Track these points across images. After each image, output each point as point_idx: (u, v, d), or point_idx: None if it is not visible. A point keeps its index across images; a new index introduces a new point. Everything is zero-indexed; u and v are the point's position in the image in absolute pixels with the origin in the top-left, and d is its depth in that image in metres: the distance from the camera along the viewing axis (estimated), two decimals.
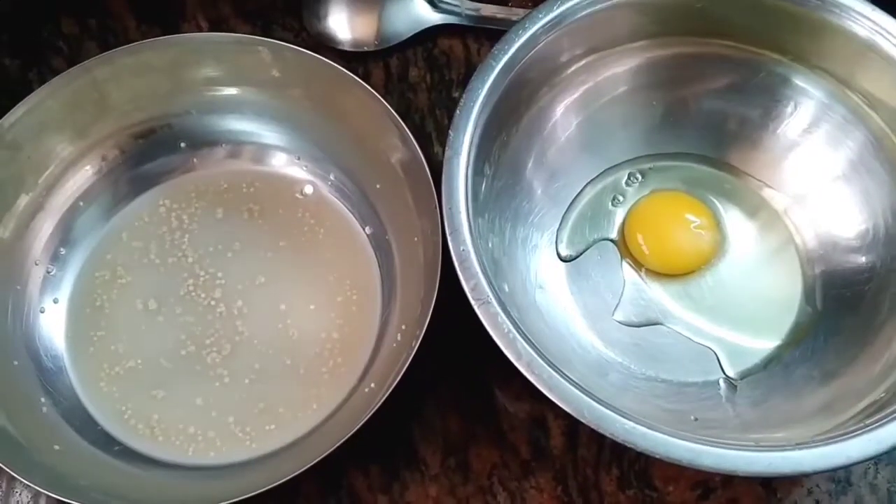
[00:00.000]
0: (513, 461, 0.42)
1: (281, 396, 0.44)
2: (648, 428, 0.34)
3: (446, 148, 0.39)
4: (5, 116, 0.44)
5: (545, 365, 0.35)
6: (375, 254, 0.46)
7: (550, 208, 0.46)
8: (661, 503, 0.42)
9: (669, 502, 0.42)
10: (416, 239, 0.43)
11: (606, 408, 0.34)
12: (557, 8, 0.41)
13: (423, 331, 0.39)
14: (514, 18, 0.51)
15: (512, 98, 0.42)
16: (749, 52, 0.44)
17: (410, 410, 0.43)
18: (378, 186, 0.46)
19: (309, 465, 0.37)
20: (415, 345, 0.39)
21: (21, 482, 0.42)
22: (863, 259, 0.43)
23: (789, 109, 0.44)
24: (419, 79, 0.51)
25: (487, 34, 0.52)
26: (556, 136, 0.45)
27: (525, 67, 0.41)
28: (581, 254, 0.45)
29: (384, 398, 0.38)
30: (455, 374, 0.44)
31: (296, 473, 0.37)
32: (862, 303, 0.42)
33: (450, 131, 0.39)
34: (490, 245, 0.41)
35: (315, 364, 0.44)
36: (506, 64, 0.40)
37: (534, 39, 0.41)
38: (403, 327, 0.43)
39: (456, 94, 0.50)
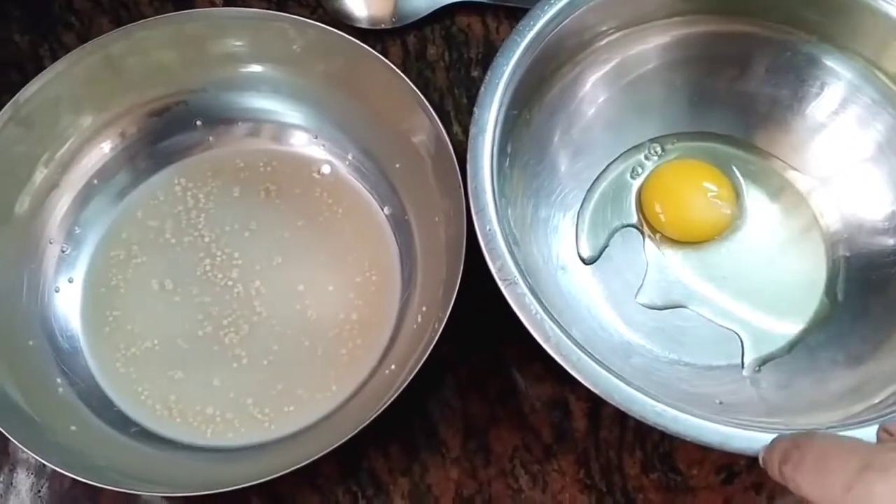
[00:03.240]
0: (534, 444, 0.42)
1: (300, 378, 0.43)
2: (679, 411, 0.33)
3: (471, 125, 0.38)
4: (19, 92, 0.43)
5: (574, 347, 0.34)
6: (394, 234, 0.46)
7: (573, 188, 0.45)
8: (684, 487, 0.41)
9: (693, 486, 0.41)
10: (437, 219, 0.43)
11: (637, 390, 0.34)
12: None
13: (447, 314, 0.38)
14: None
15: (537, 74, 0.41)
16: (778, 32, 0.43)
17: (430, 392, 0.43)
18: (398, 166, 0.45)
19: (329, 449, 0.37)
20: (438, 327, 0.38)
21: (28, 463, 0.42)
22: (890, 241, 0.42)
23: (816, 90, 0.44)
24: (437, 57, 0.50)
25: (506, 11, 0.51)
26: (580, 114, 0.45)
27: (551, 43, 0.41)
28: (601, 252, 0.44)
29: (407, 382, 0.38)
30: (476, 356, 0.44)
31: (317, 456, 0.37)
32: (889, 286, 0.41)
33: (475, 108, 0.39)
34: (512, 225, 0.40)
35: (334, 345, 0.44)
36: (532, 39, 0.40)
37: (560, 14, 0.40)
38: (424, 309, 0.42)
39: (475, 73, 0.50)
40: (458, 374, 0.43)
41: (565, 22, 0.41)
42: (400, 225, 0.45)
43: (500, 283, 0.36)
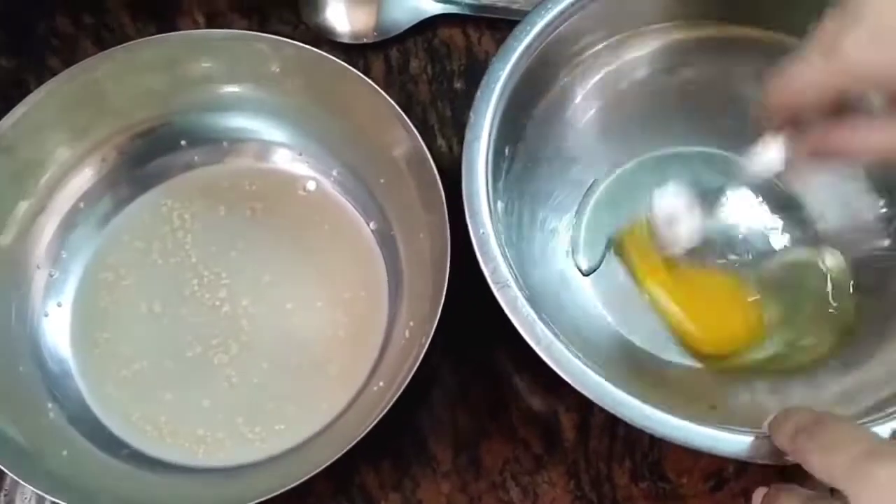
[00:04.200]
0: (525, 456, 0.42)
1: (289, 396, 0.43)
2: (667, 413, 0.33)
3: (466, 130, 0.38)
4: (3, 119, 0.44)
5: (564, 349, 0.35)
6: (381, 250, 0.46)
7: (571, 191, 0.45)
8: (674, 495, 0.41)
9: (682, 494, 0.41)
10: (421, 235, 0.43)
11: (626, 393, 0.34)
12: None
13: (434, 328, 0.38)
14: (515, 7, 0.50)
15: (532, 80, 0.41)
16: (773, 37, 0.43)
17: (420, 406, 0.43)
18: (382, 181, 0.46)
19: (321, 468, 0.37)
20: (425, 342, 0.38)
21: (22, 489, 0.42)
22: (883, 244, 0.42)
23: None
24: (420, 70, 0.50)
25: (487, 23, 0.51)
26: (576, 120, 0.45)
27: (547, 49, 0.41)
28: (600, 263, 0.44)
29: (395, 398, 0.38)
30: (464, 370, 0.44)
31: (308, 476, 0.37)
32: (883, 292, 0.41)
33: (470, 113, 0.39)
34: (509, 229, 0.41)
35: (323, 363, 0.44)
36: (527, 45, 0.40)
37: (556, 20, 0.40)
38: (411, 324, 0.43)
39: (458, 85, 0.50)
40: (447, 388, 0.44)
41: (561, 27, 0.41)
42: (386, 240, 0.46)
43: (492, 285, 0.36)
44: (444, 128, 0.49)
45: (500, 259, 0.36)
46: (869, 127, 0.32)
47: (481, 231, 0.37)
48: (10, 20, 0.52)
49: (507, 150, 0.41)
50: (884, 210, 0.43)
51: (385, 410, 0.38)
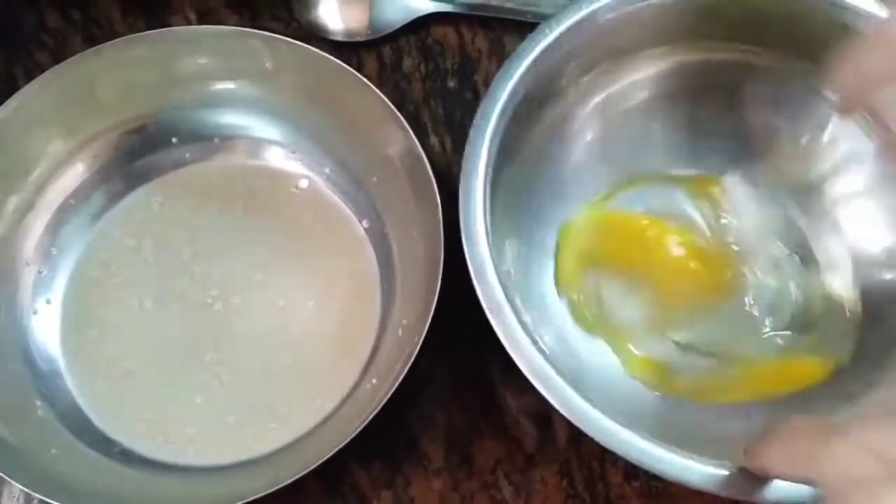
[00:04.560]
0: (517, 455, 0.42)
1: (281, 394, 0.43)
2: (643, 439, 0.33)
3: (466, 145, 0.38)
4: None
5: (543, 361, 0.34)
6: (374, 248, 0.46)
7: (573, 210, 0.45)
8: (666, 494, 0.41)
9: (675, 492, 0.41)
10: (415, 233, 0.43)
11: (595, 409, 0.34)
12: (587, 7, 0.40)
13: (426, 328, 0.38)
14: (508, 6, 0.50)
15: (533, 98, 0.41)
16: (774, 60, 0.42)
17: (412, 405, 0.43)
18: (375, 179, 0.45)
19: (313, 467, 0.37)
20: (418, 341, 0.38)
21: (11, 487, 0.41)
22: (889, 276, 0.42)
23: (818, 121, 0.43)
24: (413, 68, 0.50)
25: (481, 22, 0.51)
26: (576, 140, 0.44)
27: (550, 66, 0.40)
28: None
29: (388, 396, 0.38)
30: (457, 368, 0.44)
31: (300, 475, 0.37)
32: (884, 323, 0.41)
33: (470, 130, 0.38)
34: (506, 246, 0.41)
35: (315, 361, 0.44)
36: (529, 64, 0.39)
37: (564, 35, 0.40)
38: (404, 322, 0.42)
39: (451, 84, 0.50)
40: (439, 386, 0.44)
41: (567, 44, 0.40)
42: (379, 239, 0.45)
43: (488, 312, 0.36)
44: (436, 126, 0.49)
45: (495, 283, 0.36)
46: None
47: (476, 249, 0.36)
48: None
49: (507, 167, 0.40)
50: (889, 242, 0.42)
51: (377, 409, 0.38)
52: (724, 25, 0.42)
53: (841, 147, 0.43)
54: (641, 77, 0.44)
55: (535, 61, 0.39)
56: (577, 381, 0.34)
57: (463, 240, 0.36)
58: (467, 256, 0.36)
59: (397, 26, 0.50)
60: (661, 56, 0.43)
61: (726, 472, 0.33)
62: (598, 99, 0.44)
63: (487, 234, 0.37)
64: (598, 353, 0.42)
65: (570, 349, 0.41)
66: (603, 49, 0.42)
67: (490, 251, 0.36)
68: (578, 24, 0.40)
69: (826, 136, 0.43)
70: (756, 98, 0.44)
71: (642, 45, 0.43)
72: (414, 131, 0.42)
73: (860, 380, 0.40)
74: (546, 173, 0.44)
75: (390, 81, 0.50)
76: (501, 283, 0.36)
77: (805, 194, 0.44)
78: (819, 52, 0.40)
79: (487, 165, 0.38)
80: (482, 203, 0.37)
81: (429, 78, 0.50)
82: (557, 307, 0.43)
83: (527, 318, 0.36)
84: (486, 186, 0.38)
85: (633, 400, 0.41)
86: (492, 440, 0.43)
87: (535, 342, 0.35)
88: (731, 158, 0.45)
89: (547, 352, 0.35)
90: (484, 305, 0.35)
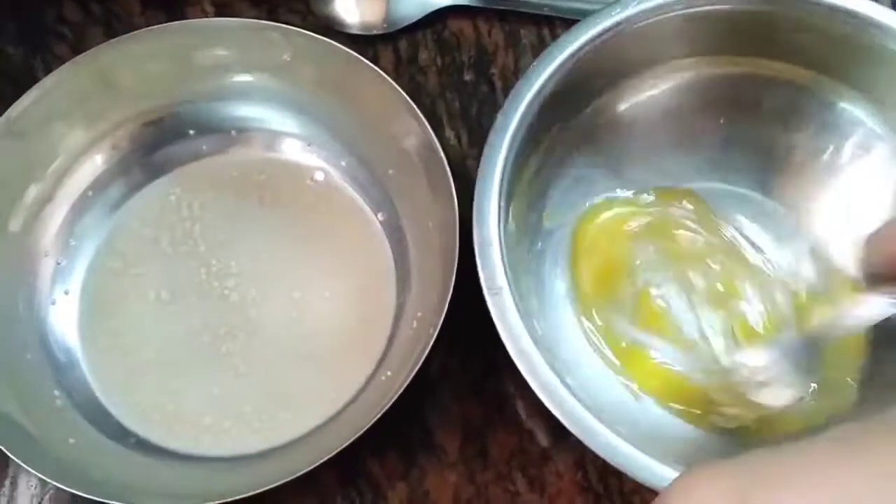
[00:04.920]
0: (532, 447, 0.42)
1: (297, 385, 0.43)
2: (635, 448, 0.34)
3: (490, 132, 0.38)
4: (12, 106, 0.44)
5: (550, 373, 0.35)
6: (389, 241, 0.46)
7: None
8: None
9: None
10: (430, 225, 0.43)
11: (598, 420, 0.34)
12: (633, 7, 0.40)
13: (441, 320, 0.38)
14: None
15: (563, 95, 0.40)
16: (800, 76, 0.42)
17: (427, 397, 0.43)
18: (391, 172, 0.46)
19: (329, 457, 0.37)
20: (433, 333, 0.38)
21: (28, 476, 0.42)
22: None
23: (839, 138, 0.42)
24: (429, 62, 0.50)
25: (497, 15, 0.51)
26: (599, 143, 0.44)
27: (572, 76, 0.40)
28: None
29: (404, 387, 0.38)
30: (472, 361, 0.44)
31: (316, 464, 0.37)
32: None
33: (498, 115, 0.38)
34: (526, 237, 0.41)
35: (330, 352, 0.44)
36: (561, 62, 0.39)
37: (588, 46, 0.40)
38: (419, 314, 0.43)
39: (467, 77, 0.50)
40: (454, 379, 0.44)
41: (599, 48, 0.40)
42: (394, 231, 0.46)
43: (485, 290, 0.36)
44: (452, 119, 0.49)
45: (497, 265, 0.36)
46: None
47: (484, 232, 0.36)
48: (19, 8, 0.52)
49: (528, 160, 0.41)
50: None
51: (392, 400, 0.38)
52: (748, 39, 0.41)
53: (868, 164, 0.42)
54: (665, 88, 0.44)
55: (557, 70, 0.39)
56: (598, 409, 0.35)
57: (474, 221, 0.37)
58: (475, 237, 0.36)
59: (414, 19, 0.50)
60: (685, 68, 0.43)
61: None
62: (621, 108, 0.44)
63: (499, 218, 0.37)
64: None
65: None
66: (626, 60, 0.42)
67: (503, 260, 0.36)
68: (601, 34, 0.40)
69: (847, 154, 0.43)
70: (776, 112, 0.43)
71: (667, 56, 0.43)
72: (430, 124, 0.42)
73: (875, 400, 0.39)
74: (563, 180, 0.43)
75: (406, 74, 0.50)
76: (504, 264, 0.36)
77: (824, 215, 0.43)
78: (842, 70, 0.41)
79: (508, 153, 0.38)
80: (498, 187, 0.37)
81: (445, 71, 0.50)
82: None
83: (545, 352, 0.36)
84: (506, 170, 0.38)
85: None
86: (506, 433, 0.43)
87: (532, 328, 0.35)
88: (752, 173, 0.44)
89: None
90: (484, 286, 0.36)
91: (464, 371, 0.44)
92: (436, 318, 0.39)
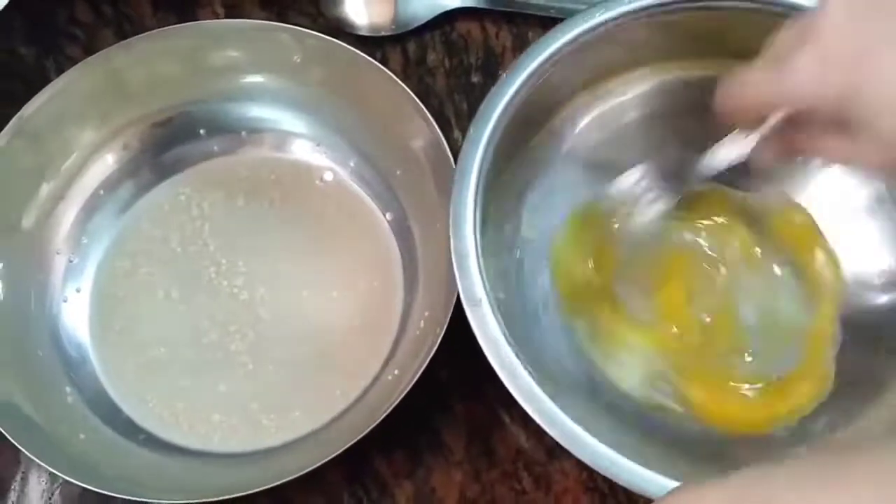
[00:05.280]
0: (537, 446, 0.42)
1: (304, 383, 0.44)
2: (623, 456, 0.34)
3: (463, 143, 0.39)
4: (25, 106, 0.44)
5: (532, 381, 0.35)
6: (396, 240, 0.46)
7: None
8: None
9: None
10: (438, 225, 0.43)
11: (581, 427, 0.34)
12: (600, 15, 0.40)
13: (448, 319, 0.39)
14: (532, 1, 0.50)
15: (532, 107, 0.41)
16: None
17: (433, 396, 0.43)
18: (399, 172, 0.46)
19: (336, 454, 0.37)
20: (440, 333, 0.39)
21: (39, 470, 0.42)
22: (885, 299, 0.41)
23: None
24: (437, 63, 0.51)
25: (505, 17, 0.51)
26: (568, 155, 0.44)
27: (539, 87, 0.40)
28: None
29: (410, 386, 0.38)
30: (478, 360, 0.44)
31: (324, 461, 0.37)
32: (881, 345, 0.40)
33: (470, 127, 0.39)
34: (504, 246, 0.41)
35: (338, 351, 0.44)
36: (521, 82, 0.39)
37: (569, 45, 0.40)
38: (427, 314, 0.43)
39: (475, 79, 0.50)
40: (460, 378, 0.44)
41: (556, 66, 0.40)
42: (402, 231, 0.46)
43: (464, 302, 0.36)
44: (460, 120, 0.49)
45: (475, 276, 0.36)
46: (823, 139, 0.34)
47: (462, 243, 0.37)
48: (31, 9, 0.52)
49: (504, 169, 0.41)
50: (886, 265, 0.42)
51: (399, 399, 0.38)
52: (719, 41, 0.42)
53: (834, 168, 0.43)
54: (631, 96, 0.44)
55: (529, 78, 0.39)
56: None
57: (450, 231, 0.37)
58: (452, 248, 0.37)
59: (422, 21, 0.51)
60: (659, 72, 0.44)
61: None
62: (588, 118, 0.44)
63: (475, 227, 0.37)
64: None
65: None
66: (598, 65, 0.42)
67: (481, 271, 0.37)
68: (565, 46, 0.40)
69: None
70: None
71: (640, 61, 0.43)
72: (438, 125, 0.43)
73: (859, 399, 0.39)
74: (540, 187, 0.44)
75: (415, 76, 0.50)
76: (482, 276, 0.36)
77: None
78: None
79: (477, 192, 0.38)
80: (473, 194, 0.38)
81: (453, 72, 0.50)
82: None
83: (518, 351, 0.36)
84: (481, 178, 0.38)
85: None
86: (512, 432, 0.43)
87: (508, 339, 0.36)
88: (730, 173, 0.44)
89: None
90: (462, 297, 0.36)
91: (470, 371, 0.44)
92: (443, 318, 0.39)
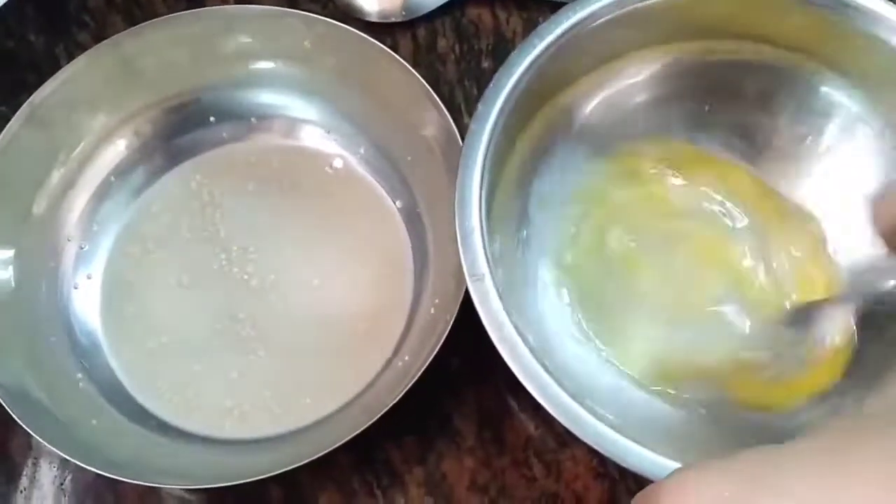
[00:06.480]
0: (548, 433, 0.42)
1: (315, 370, 0.44)
2: (625, 437, 0.34)
3: (471, 121, 0.38)
4: (35, 93, 0.44)
5: (531, 356, 0.35)
6: (406, 227, 0.46)
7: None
8: None
9: None
10: (447, 212, 0.43)
11: (581, 406, 0.34)
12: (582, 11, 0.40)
13: (458, 306, 0.39)
14: None
15: (539, 88, 0.40)
16: (781, 59, 0.42)
17: (444, 383, 0.43)
18: (409, 159, 0.46)
19: (347, 439, 0.37)
20: (449, 319, 0.39)
21: (51, 456, 0.42)
22: (888, 286, 0.40)
23: (822, 121, 0.42)
24: (448, 49, 0.50)
25: (516, 3, 0.51)
26: (577, 137, 0.44)
27: (548, 67, 0.40)
28: None
29: (421, 372, 0.38)
30: (488, 347, 0.44)
31: (334, 447, 0.37)
32: (884, 334, 0.40)
33: (478, 104, 0.38)
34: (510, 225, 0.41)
35: (349, 337, 0.44)
36: (530, 63, 0.39)
37: (562, 38, 0.40)
38: (436, 301, 0.43)
39: (486, 65, 0.50)
40: (470, 364, 0.44)
41: (576, 35, 0.40)
42: (412, 218, 0.46)
43: (467, 276, 0.36)
44: (470, 107, 0.49)
45: (479, 252, 0.36)
46: None
47: (467, 223, 0.37)
48: None
49: (511, 148, 0.41)
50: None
51: (408, 386, 0.38)
52: (728, 23, 0.41)
53: (852, 146, 0.42)
54: (640, 79, 0.44)
55: (532, 64, 0.39)
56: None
57: (455, 209, 0.37)
58: (457, 224, 0.37)
59: (432, 7, 0.51)
60: (666, 53, 0.43)
61: None
62: (596, 100, 0.44)
63: (481, 206, 0.37)
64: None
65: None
66: (606, 48, 0.42)
67: (485, 248, 0.36)
68: (575, 26, 0.40)
69: (829, 138, 0.43)
70: (758, 97, 0.43)
71: (647, 42, 0.43)
72: (448, 111, 0.43)
73: (861, 389, 0.39)
74: (547, 168, 0.43)
75: (425, 62, 0.50)
76: (486, 253, 0.36)
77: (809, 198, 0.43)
78: (821, 51, 0.41)
79: (484, 168, 0.38)
80: (479, 175, 0.37)
81: (463, 59, 0.50)
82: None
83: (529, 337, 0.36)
84: (487, 159, 0.38)
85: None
86: (523, 419, 0.43)
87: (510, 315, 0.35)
88: (736, 158, 0.44)
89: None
90: (466, 273, 0.36)
91: (480, 358, 0.44)
92: (453, 305, 0.39)
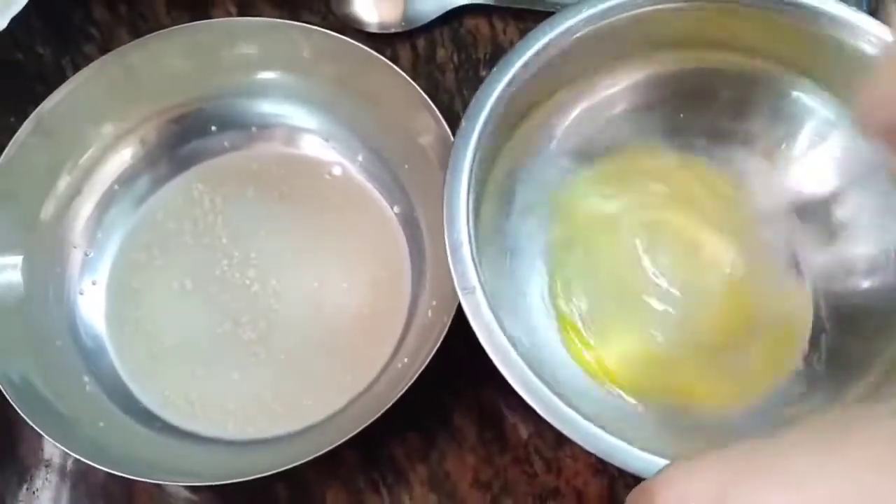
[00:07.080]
0: (548, 431, 0.43)
1: (316, 371, 0.44)
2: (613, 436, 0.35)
3: (456, 136, 0.39)
4: (42, 103, 0.45)
5: (525, 367, 0.36)
6: (404, 232, 0.47)
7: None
8: None
9: None
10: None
11: (575, 411, 0.35)
12: (587, 9, 0.41)
13: (455, 308, 0.39)
14: None
15: (522, 101, 0.42)
16: (752, 66, 0.43)
17: (445, 383, 0.44)
18: (407, 167, 0.47)
19: (349, 437, 0.38)
20: (447, 321, 0.40)
21: (61, 457, 0.43)
22: (866, 284, 0.42)
23: (795, 127, 0.43)
24: (446, 59, 0.51)
25: (513, 13, 0.52)
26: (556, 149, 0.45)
27: (528, 79, 0.41)
28: None
29: (419, 372, 0.39)
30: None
31: (340, 442, 0.38)
32: (861, 330, 0.41)
33: (462, 121, 0.39)
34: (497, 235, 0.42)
35: (348, 339, 0.45)
36: (511, 76, 0.40)
37: (541, 52, 0.41)
38: (434, 303, 0.44)
39: (483, 74, 0.51)
40: (470, 364, 0.44)
41: (557, 49, 0.41)
42: (409, 223, 0.47)
43: (458, 290, 0.37)
44: None
45: (469, 265, 0.37)
46: None
47: (455, 236, 0.37)
48: (47, 8, 0.53)
49: (496, 161, 0.42)
50: (870, 250, 0.42)
51: (409, 384, 0.39)
52: (690, 32, 0.42)
53: (825, 151, 0.43)
54: (616, 90, 0.45)
55: (511, 81, 0.40)
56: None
57: (444, 222, 0.38)
58: (446, 238, 0.37)
59: (431, 18, 0.52)
60: (643, 65, 0.44)
61: None
62: (582, 107, 0.45)
63: (468, 216, 0.38)
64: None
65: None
66: (583, 60, 0.43)
67: (474, 259, 0.37)
68: (550, 43, 0.41)
69: (802, 142, 0.44)
70: (731, 104, 0.44)
71: (615, 58, 0.44)
72: (447, 120, 0.44)
73: (836, 384, 0.40)
74: (531, 179, 0.44)
75: (424, 72, 0.51)
76: (475, 264, 0.37)
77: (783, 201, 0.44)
78: (794, 59, 0.42)
79: (469, 182, 0.39)
80: (466, 185, 0.38)
81: (461, 68, 0.51)
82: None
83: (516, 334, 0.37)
84: (473, 170, 0.39)
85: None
86: (523, 417, 0.44)
87: (503, 327, 0.36)
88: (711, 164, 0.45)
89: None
90: (457, 285, 0.37)
91: (479, 357, 0.44)
92: (450, 307, 0.40)
